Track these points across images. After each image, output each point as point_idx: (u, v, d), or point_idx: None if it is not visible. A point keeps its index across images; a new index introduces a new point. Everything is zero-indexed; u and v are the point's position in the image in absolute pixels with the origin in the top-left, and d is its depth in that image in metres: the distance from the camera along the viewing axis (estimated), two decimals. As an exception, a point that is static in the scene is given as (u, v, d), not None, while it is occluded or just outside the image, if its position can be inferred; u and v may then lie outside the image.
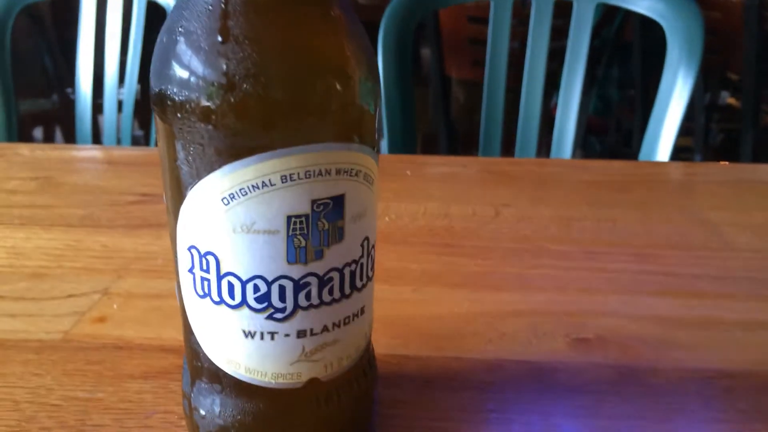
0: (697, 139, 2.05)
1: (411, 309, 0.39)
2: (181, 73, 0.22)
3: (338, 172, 0.23)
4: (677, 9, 0.95)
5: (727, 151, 2.11)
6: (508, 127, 1.01)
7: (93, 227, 0.49)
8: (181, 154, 0.23)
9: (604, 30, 2.07)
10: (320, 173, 0.23)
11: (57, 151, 0.66)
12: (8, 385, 0.32)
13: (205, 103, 0.21)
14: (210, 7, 0.22)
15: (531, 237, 0.49)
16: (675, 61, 0.94)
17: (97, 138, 1.10)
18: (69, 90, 2.29)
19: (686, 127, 1.03)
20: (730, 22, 1.80)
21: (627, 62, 2.23)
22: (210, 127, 0.22)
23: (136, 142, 1.08)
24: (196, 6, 0.22)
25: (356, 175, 0.24)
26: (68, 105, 2.08)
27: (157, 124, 0.24)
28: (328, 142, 0.23)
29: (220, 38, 0.21)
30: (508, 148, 1.04)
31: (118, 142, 1.09)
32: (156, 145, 1.03)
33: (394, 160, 0.66)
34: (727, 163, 0.66)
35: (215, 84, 0.21)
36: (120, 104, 1.09)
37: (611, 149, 2.42)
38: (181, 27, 0.22)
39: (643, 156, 0.94)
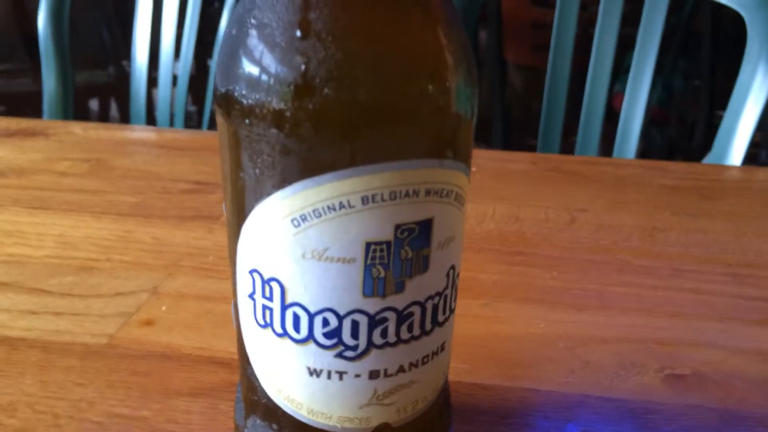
0: (765, 135, 1.95)
1: (482, 327, 0.36)
2: (252, 71, 0.18)
3: (428, 192, 0.20)
4: (761, -2, 0.88)
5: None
6: (568, 114, 0.96)
7: (144, 217, 0.47)
8: (246, 165, 0.20)
9: (674, 16, 1.97)
10: (407, 194, 0.19)
11: (110, 131, 0.64)
12: (50, 396, 0.30)
13: (278, 107, 0.18)
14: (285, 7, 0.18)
15: (611, 248, 0.44)
16: (755, 55, 0.87)
17: (150, 112, 1.09)
18: (125, 63, 2.31)
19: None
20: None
21: (695, 51, 2.13)
22: (283, 136, 0.18)
23: (189, 117, 1.07)
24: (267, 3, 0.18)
25: (447, 195, 0.20)
26: (124, 78, 2.09)
27: (220, 127, 0.21)
28: (418, 158, 0.19)
29: (299, 33, 0.18)
30: (566, 136, 0.99)
31: (172, 117, 1.08)
32: (208, 127, 1.01)
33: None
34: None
35: (291, 86, 0.18)
36: (175, 78, 1.07)
37: (672, 142, 2.32)
38: (253, 18, 0.19)
39: (714, 155, 0.88)
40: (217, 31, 1.00)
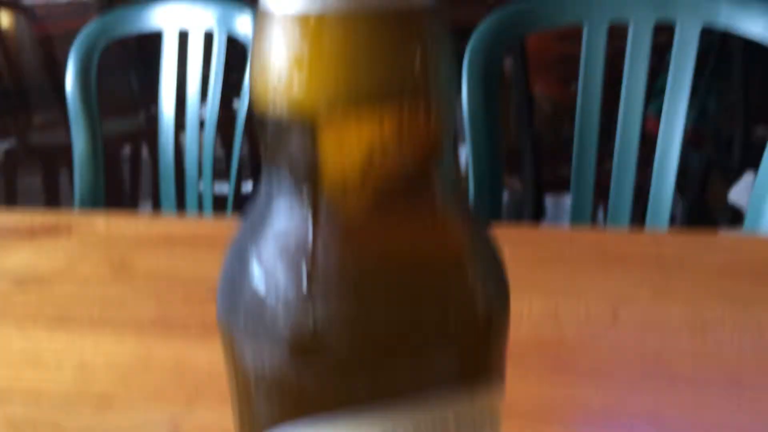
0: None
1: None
2: (250, 321, 0.16)
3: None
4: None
5: None
6: (601, 142, 0.94)
7: (165, 331, 0.46)
8: (248, 402, 0.18)
9: (705, 40, 1.93)
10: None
11: (132, 225, 0.63)
12: None
13: (279, 365, 0.16)
14: (292, 243, 0.16)
15: (660, 353, 0.41)
16: None
17: (179, 159, 1.09)
18: (154, 108, 2.34)
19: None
20: None
21: (728, 68, 2.08)
22: (285, 382, 0.16)
23: (218, 163, 1.07)
24: (272, 236, 0.16)
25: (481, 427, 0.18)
26: (154, 123, 2.12)
27: (222, 347, 0.19)
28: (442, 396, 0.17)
29: (305, 286, 0.16)
30: (600, 163, 0.97)
31: (200, 166, 1.08)
32: (235, 184, 1.00)
33: (489, 233, 0.59)
34: None
35: (296, 342, 0.16)
36: (202, 123, 1.08)
37: (710, 162, 2.27)
38: (254, 260, 0.17)
39: (752, 205, 0.84)
40: (244, 70, 0.99)
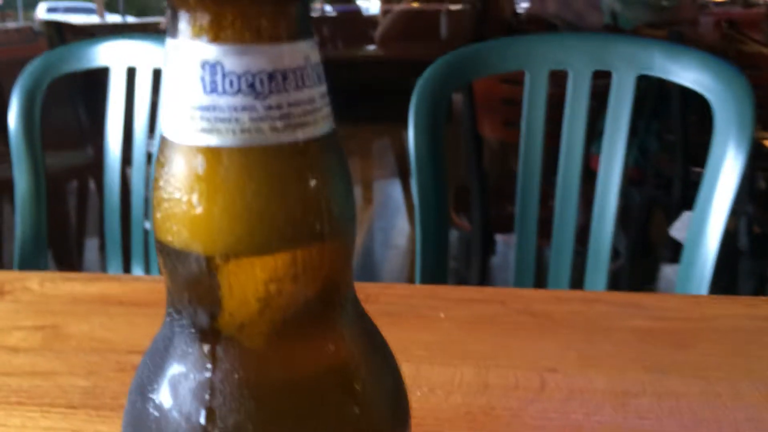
0: (739, 219, 1.97)
1: None
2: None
3: None
4: (726, 83, 0.89)
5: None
6: (545, 181, 0.98)
7: (94, 409, 0.45)
8: None
9: (644, 81, 2.01)
10: None
11: (68, 284, 0.62)
12: None
13: None
14: (191, 385, 0.17)
15: (584, 425, 0.43)
16: (722, 139, 0.88)
17: (126, 194, 1.08)
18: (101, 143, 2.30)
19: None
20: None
21: (666, 110, 2.17)
22: None
23: None
24: (171, 379, 0.17)
25: None
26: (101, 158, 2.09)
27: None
28: None
29: (203, 423, 0.17)
30: (544, 201, 1.00)
31: (146, 201, 1.07)
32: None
33: (426, 295, 0.61)
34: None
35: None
36: (149, 157, 1.07)
37: (651, 200, 2.35)
38: (153, 401, 0.17)
39: (688, 247, 0.88)
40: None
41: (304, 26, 0.16)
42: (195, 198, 0.16)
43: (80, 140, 2.41)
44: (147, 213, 1.08)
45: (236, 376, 0.16)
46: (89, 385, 0.48)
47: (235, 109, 0.15)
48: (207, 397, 0.16)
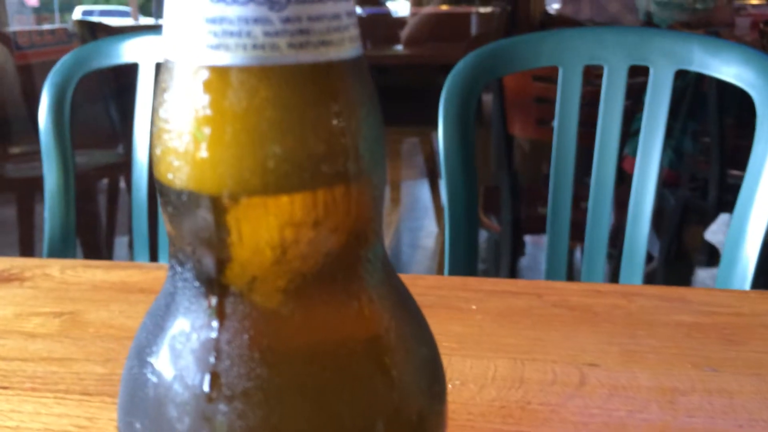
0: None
1: None
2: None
3: None
4: (768, 77, 0.85)
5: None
6: (577, 181, 0.94)
7: (110, 397, 0.43)
8: None
9: (680, 80, 1.96)
10: None
11: (89, 272, 0.61)
12: None
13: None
14: (194, 345, 0.14)
15: (628, 423, 0.40)
16: (766, 134, 0.84)
17: (154, 185, 1.07)
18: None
19: None
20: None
21: (702, 112, 2.11)
22: None
23: None
24: (172, 338, 0.15)
25: None
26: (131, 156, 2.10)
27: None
28: None
29: (207, 390, 0.14)
30: (576, 202, 0.97)
31: None
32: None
33: (456, 287, 0.58)
34: None
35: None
36: None
37: (686, 203, 2.29)
38: (152, 369, 0.15)
39: (727, 248, 0.84)
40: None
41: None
42: (199, 127, 0.14)
43: (111, 139, 2.43)
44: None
45: (246, 336, 0.14)
46: (106, 372, 0.46)
47: (247, 21, 0.13)
48: (212, 360, 0.14)
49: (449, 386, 0.44)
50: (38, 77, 2.46)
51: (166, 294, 0.15)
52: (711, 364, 0.45)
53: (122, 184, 2.33)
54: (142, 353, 0.15)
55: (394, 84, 2.61)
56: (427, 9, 3.19)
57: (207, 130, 0.14)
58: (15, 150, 2.45)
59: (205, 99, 0.14)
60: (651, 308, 0.53)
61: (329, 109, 0.14)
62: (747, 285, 0.79)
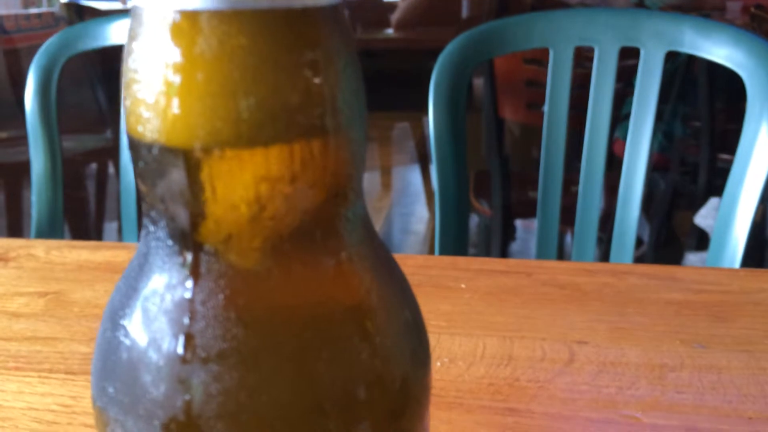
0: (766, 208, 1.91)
1: None
2: (124, 405, 0.14)
3: None
4: (759, 58, 0.85)
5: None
6: (568, 165, 0.94)
7: (95, 375, 0.42)
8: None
9: (669, 63, 1.95)
10: None
11: (75, 252, 0.60)
12: None
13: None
14: (168, 306, 0.14)
15: (617, 399, 0.40)
16: (756, 116, 0.84)
17: None
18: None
19: None
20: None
21: (692, 96, 2.11)
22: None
23: None
24: (145, 300, 0.14)
25: None
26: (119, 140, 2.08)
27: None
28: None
29: (181, 352, 0.14)
30: (567, 187, 0.96)
31: None
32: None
33: (446, 266, 0.57)
34: None
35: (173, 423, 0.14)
36: None
37: (676, 187, 2.29)
38: (125, 334, 0.15)
39: (719, 225, 0.84)
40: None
41: None
42: (169, 76, 0.13)
43: (100, 123, 2.41)
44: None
45: (221, 296, 0.14)
46: (90, 351, 0.45)
47: (218, -38, 0.12)
48: (186, 321, 0.14)
49: (438, 364, 0.43)
50: (25, 61, 2.43)
51: (140, 255, 0.15)
52: (700, 341, 0.45)
53: (111, 169, 2.31)
54: (115, 316, 0.15)
55: (385, 68, 2.59)
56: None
57: (177, 79, 0.13)
58: (2, 135, 2.43)
59: (175, 45, 0.13)
60: (641, 286, 0.53)
61: (304, 56, 0.13)
62: (736, 267, 0.79)
